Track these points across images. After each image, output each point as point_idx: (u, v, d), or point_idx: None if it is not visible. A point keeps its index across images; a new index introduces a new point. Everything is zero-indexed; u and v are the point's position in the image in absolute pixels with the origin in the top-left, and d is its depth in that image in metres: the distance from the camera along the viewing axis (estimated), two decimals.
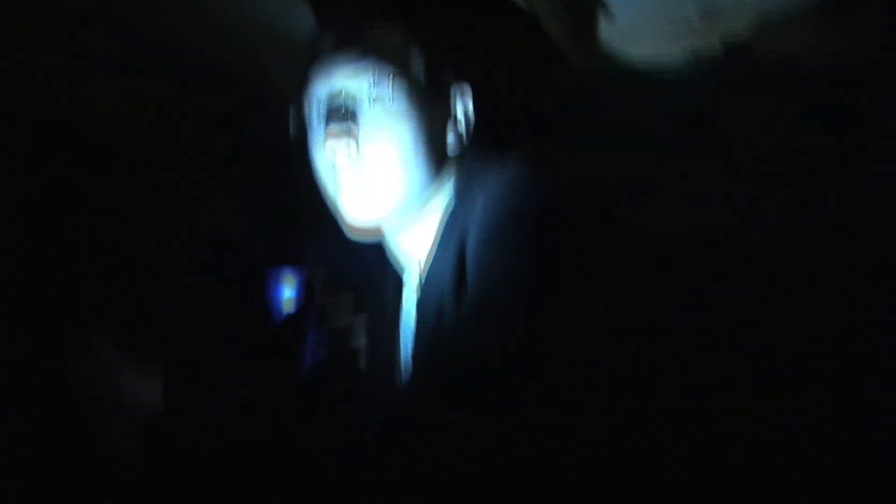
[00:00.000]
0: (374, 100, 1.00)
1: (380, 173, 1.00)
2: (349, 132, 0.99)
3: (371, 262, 1.18)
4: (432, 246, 1.04)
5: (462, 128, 1.08)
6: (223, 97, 1.64)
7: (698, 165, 1.51)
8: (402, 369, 1.09)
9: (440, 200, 1.06)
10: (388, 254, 1.14)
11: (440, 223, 1.04)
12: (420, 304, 1.03)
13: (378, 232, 1.09)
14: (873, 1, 1.33)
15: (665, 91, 1.58)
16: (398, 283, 1.15)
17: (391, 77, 1.00)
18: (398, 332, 1.12)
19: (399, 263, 1.14)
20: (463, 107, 1.09)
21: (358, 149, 0.99)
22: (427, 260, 1.04)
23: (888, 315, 1.34)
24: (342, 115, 0.99)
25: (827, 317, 1.37)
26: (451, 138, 1.07)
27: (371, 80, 1.00)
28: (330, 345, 1.01)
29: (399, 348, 1.11)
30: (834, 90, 1.46)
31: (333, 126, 0.99)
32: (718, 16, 1.51)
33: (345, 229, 1.07)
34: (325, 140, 0.99)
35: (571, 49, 1.55)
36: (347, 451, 0.88)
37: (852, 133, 1.43)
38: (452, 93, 1.08)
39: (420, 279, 1.06)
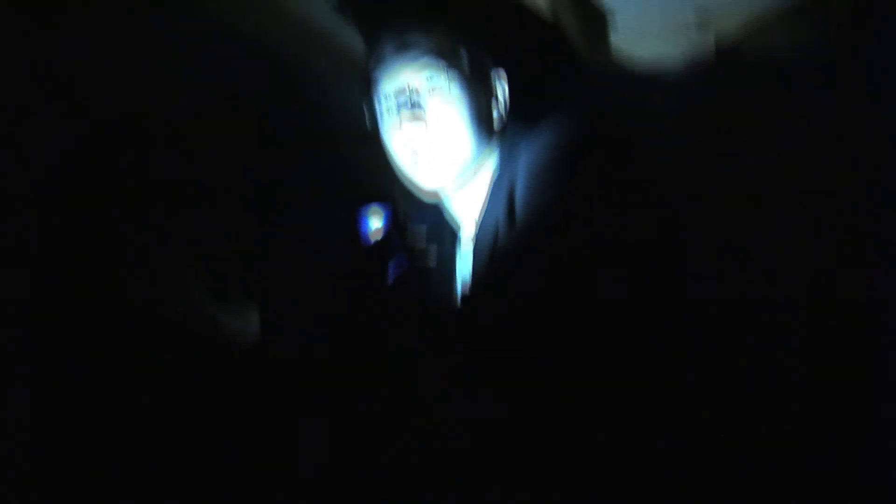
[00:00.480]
0: (433, 90, 1.24)
1: (446, 147, 1.25)
2: (420, 118, 1.23)
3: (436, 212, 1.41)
4: (484, 200, 1.26)
5: (501, 106, 1.31)
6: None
7: (692, 156, 1.72)
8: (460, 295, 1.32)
9: (488, 166, 1.29)
10: (445, 213, 1.38)
11: (490, 183, 1.27)
12: (476, 247, 1.25)
13: (440, 195, 1.33)
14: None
15: (663, 85, 1.80)
16: (454, 236, 1.38)
17: (445, 71, 1.24)
18: (455, 273, 1.35)
19: (455, 220, 1.37)
20: (501, 88, 1.31)
21: (427, 130, 1.24)
22: (480, 212, 1.27)
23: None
24: (411, 105, 1.23)
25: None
26: (495, 114, 1.30)
27: (429, 75, 1.23)
28: (409, 262, 1.22)
29: (454, 283, 1.34)
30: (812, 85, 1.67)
31: (406, 114, 1.23)
32: (713, 20, 1.73)
33: (418, 193, 1.32)
34: (400, 126, 1.24)
35: (583, 46, 1.76)
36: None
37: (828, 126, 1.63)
38: (492, 78, 1.31)
39: (475, 229, 1.29)
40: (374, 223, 1.23)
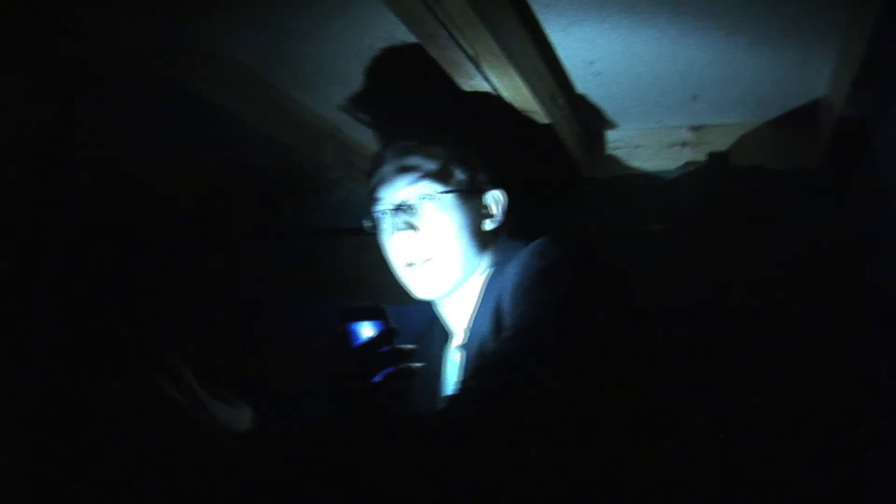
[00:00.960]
0: (426, 207, 1.31)
1: (437, 260, 1.30)
2: (412, 229, 1.30)
3: (427, 321, 1.44)
4: (474, 308, 1.29)
5: (497, 221, 1.37)
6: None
7: (685, 253, 1.77)
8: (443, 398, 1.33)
9: (480, 275, 1.33)
10: (438, 316, 1.40)
11: (480, 291, 1.30)
12: (466, 352, 1.26)
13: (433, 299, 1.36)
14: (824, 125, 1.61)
15: (659, 192, 1.86)
16: (445, 337, 1.41)
17: (439, 190, 1.31)
18: (442, 377, 1.38)
19: (447, 323, 1.39)
20: (496, 204, 1.38)
21: (419, 242, 1.30)
22: (470, 319, 1.30)
23: None
24: (405, 219, 1.31)
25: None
26: (488, 227, 1.36)
27: (423, 195, 1.31)
28: (395, 378, 1.23)
29: (442, 386, 1.37)
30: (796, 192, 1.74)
31: (400, 227, 1.30)
32: (707, 137, 1.82)
33: (411, 295, 1.35)
34: (394, 237, 1.31)
35: (581, 155, 1.83)
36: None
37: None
38: (487, 195, 1.37)
39: (465, 333, 1.31)
40: (365, 326, 1.24)
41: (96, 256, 1.75)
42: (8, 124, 1.42)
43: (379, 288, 1.49)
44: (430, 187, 1.31)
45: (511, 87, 1.40)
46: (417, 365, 1.24)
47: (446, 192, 1.31)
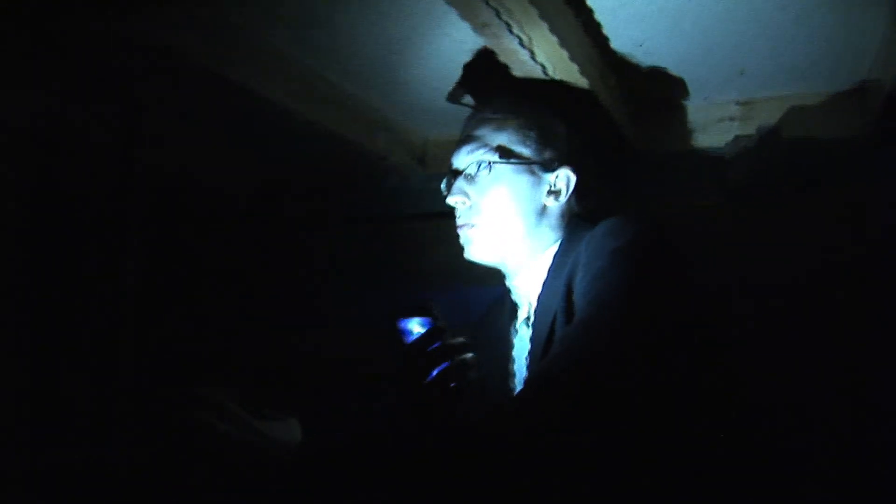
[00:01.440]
0: (482, 174, 1.35)
1: (481, 224, 1.35)
2: (464, 194, 1.35)
3: (494, 299, 1.48)
4: (543, 284, 1.32)
5: (563, 197, 1.39)
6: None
7: (735, 227, 1.79)
8: (515, 382, 1.38)
9: (549, 252, 1.36)
10: (508, 290, 1.44)
11: (549, 267, 1.33)
12: (534, 327, 1.30)
13: (499, 267, 1.40)
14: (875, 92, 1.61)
15: (709, 167, 1.88)
16: (513, 312, 1.45)
17: (497, 159, 1.35)
18: (511, 353, 1.41)
19: (516, 297, 1.43)
20: (566, 184, 1.39)
21: (471, 205, 1.35)
22: (537, 295, 1.33)
23: None
24: (460, 183, 1.37)
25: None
26: (554, 204, 1.38)
27: (481, 162, 1.35)
28: (449, 374, 1.23)
29: (511, 366, 1.41)
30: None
31: (454, 190, 1.37)
32: (755, 106, 1.83)
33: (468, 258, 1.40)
34: (448, 199, 1.38)
35: (632, 133, 1.85)
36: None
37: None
38: (558, 173, 1.38)
39: (530, 309, 1.35)
40: (414, 323, 1.26)
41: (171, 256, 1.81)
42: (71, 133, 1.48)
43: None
44: (489, 157, 1.35)
45: (563, 71, 1.43)
46: (471, 356, 1.25)
47: (503, 163, 1.35)
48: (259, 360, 1.82)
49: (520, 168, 1.35)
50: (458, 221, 1.37)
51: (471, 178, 1.36)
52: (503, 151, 1.35)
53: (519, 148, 1.36)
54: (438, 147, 2.07)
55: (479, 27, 1.28)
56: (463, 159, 1.37)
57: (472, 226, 1.35)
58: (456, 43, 1.49)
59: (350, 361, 1.84)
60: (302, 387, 1.77)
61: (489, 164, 1.34)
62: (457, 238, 1.40)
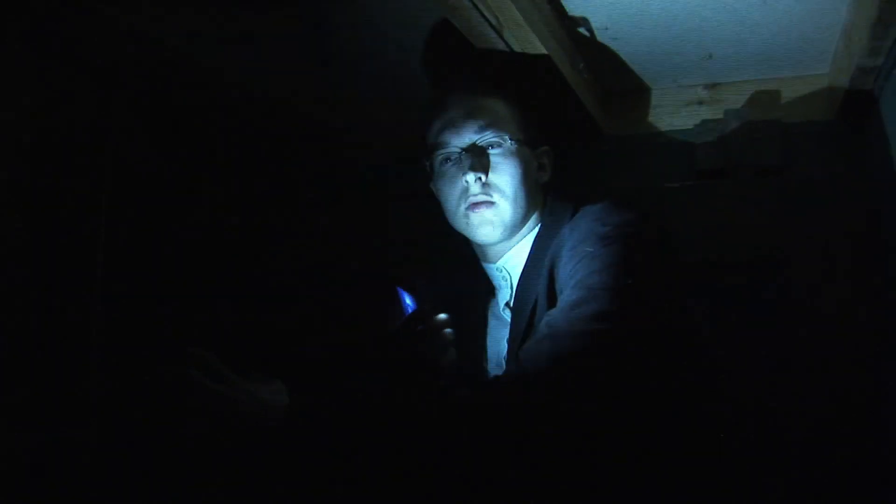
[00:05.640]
0: (495, 151, 1.35)
1: (498, 202, 1.34)
2: (482, 170, 1.33)
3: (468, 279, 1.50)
4: (524, 265, 1.35)
5: (548, 176, 1.43)
6: None
7: (704, 209, 1.82)
8: (489, 360, 1.41)
9: (530, 231, 1.39)
10: (486, 272, 1.45)
11: (530, 249, 1.36)
12: (515, 309, 1.32)
13: (490, 246, 1.41)
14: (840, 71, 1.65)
15: (677, 149, 1.91)
16: (491, 291, 1.46)
17: (507, 137, 1.35)
18: (487, 334, 1.44)
19: (495, 278, 1.44)
20: (548, 160, 1.43)
21: (488, 182, 1.33)
22: (519, 274, 1.35)
23: None
24: (474, 161, 1.33)
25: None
26: (542, 182, 1.42)
27: (493, 139, 1.35)
28: (430, 346, 1.31)
29: (486, 344, 1.43)
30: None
31: (467, 169, 1.33)
32: (722, 90, 1.86)
33: (473, 240, 1.41)
34: (460, 179, 1.34)
35: (601, 116, 1.87)
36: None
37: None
38: (542, 150, 1.42)
39: (512, 289, 1.38)
40: (407, 296, 1.30)
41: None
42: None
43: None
44: (499, 134, 1.34)
45: (533, 54, 1.45)
46: (450, 331, 1.30)
47: (513, 140, 1.35)
48: (243, 334, 1.82)
49: (521, 146, 1.37)
50: (474, 199, 1.34)
51: (483, 156, 1.34)
52: (506, 129, 1.35)
53: (513, 126, 1.37)
54: None
55: (450, 10, 1.30)
56: (471, 137, 1.35)
57: (492, 204, 1.33)
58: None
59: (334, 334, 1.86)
60: (286, 357, 1.78)
61: (506, 140, 1.34)
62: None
